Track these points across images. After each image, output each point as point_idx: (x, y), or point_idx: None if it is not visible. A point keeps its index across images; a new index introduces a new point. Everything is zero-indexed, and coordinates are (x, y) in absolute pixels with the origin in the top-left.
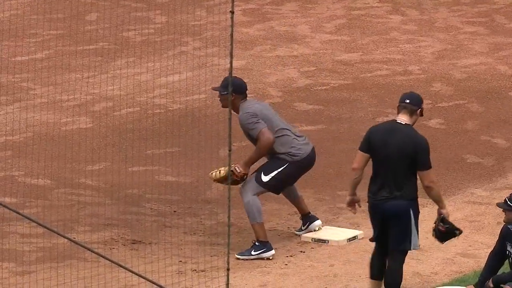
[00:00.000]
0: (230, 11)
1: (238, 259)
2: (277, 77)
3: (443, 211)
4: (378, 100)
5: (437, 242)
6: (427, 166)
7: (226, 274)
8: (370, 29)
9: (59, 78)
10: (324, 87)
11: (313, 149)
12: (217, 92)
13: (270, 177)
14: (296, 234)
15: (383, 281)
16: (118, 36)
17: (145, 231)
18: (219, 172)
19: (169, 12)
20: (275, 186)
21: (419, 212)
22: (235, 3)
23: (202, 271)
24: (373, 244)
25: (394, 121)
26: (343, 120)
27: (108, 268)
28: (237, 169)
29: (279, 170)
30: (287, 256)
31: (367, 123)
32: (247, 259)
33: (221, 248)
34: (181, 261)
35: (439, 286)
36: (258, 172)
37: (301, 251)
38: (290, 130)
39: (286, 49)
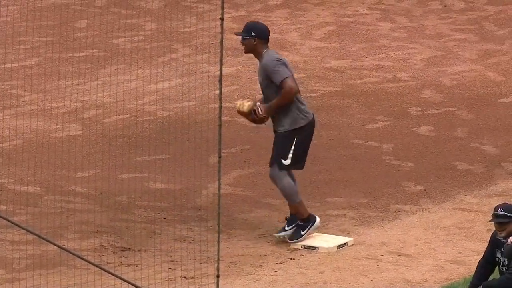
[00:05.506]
0: (220, 18)
1: (294, 247)
2: None
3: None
4: (368, 107)
5: (426, 250)
6: None
7: (215, 281)
8: (360, 36)
9: (48, 85)
10: (314, 94)
11: (313, 115)
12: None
13: (290, 157)
14: (277, 236)
15: None
16: (107, 43)
17: (134, 238)
18: (243, 106)
19: (158, 19)
20: (297, 163)
21: None
22: (224, 10)
23: (192, 278)
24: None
25: None
26: (332, 127)
27: (97, 276)
28: (259, 109)
29: (293, 146)
30: (277, 263)
31: (357, 130)
32: (300, 240)
33: (211, 255)
34: (170, 268)
35: None
36: (277, 159)
37: (291, 258)
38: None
39: None
